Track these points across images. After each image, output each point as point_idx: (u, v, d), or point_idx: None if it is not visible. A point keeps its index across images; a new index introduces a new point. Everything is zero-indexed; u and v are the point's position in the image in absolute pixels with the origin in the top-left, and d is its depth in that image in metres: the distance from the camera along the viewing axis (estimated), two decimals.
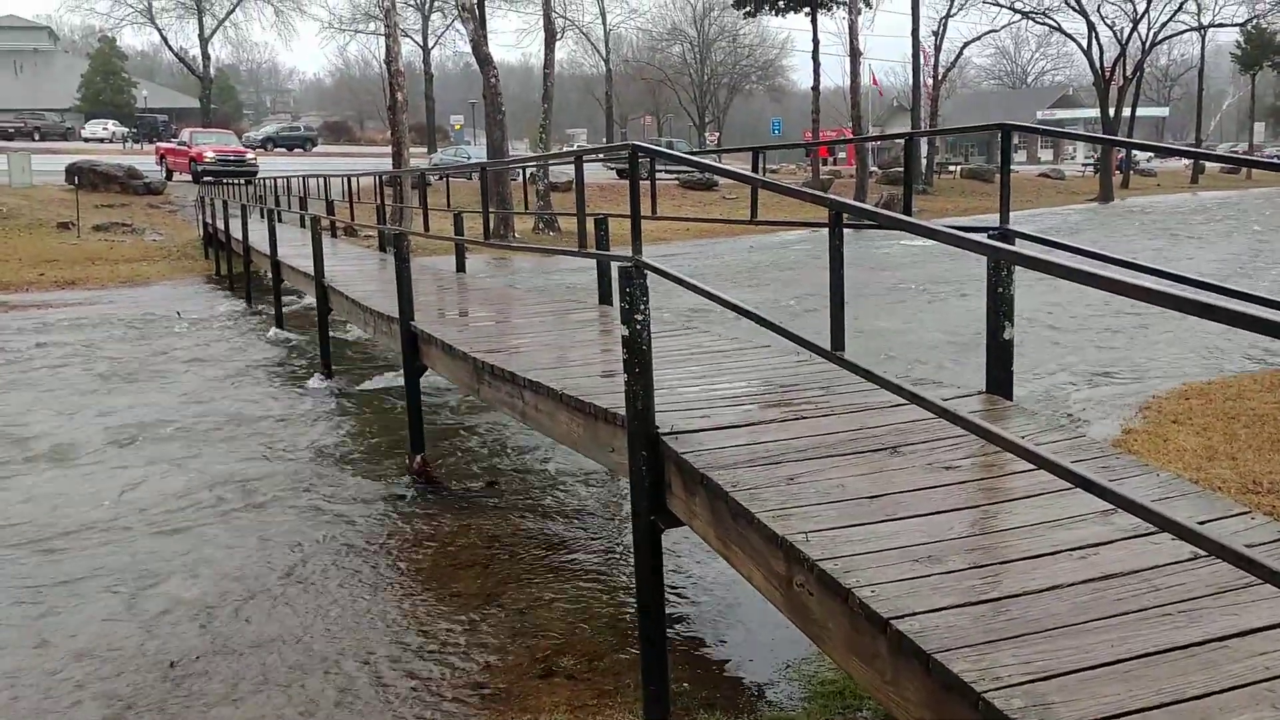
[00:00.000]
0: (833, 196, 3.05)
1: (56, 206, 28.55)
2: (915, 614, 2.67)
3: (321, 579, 5.64)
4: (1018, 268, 4.29)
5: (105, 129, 65.89)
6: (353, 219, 16.35)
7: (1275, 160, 5.82)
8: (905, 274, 19.97)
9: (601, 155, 33.67)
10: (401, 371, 7.93)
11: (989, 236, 4.30)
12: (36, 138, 61.39)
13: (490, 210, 7.31)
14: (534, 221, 30.85)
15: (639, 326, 4.02)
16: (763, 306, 3.80)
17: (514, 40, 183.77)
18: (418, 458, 7.56)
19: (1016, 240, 4.34)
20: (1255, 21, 60.04)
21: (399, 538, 6.32)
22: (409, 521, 6.61)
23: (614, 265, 4.81)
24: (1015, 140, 5.11)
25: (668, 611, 4.39)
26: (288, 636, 4.95)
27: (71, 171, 32.06)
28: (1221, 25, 58.72)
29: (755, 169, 7.47)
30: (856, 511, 3.37)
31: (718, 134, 78.05)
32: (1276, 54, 64.38)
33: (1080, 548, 3.10)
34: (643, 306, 4.03)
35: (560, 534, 6.30)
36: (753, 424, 4.30)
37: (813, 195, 3.20)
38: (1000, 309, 4.46)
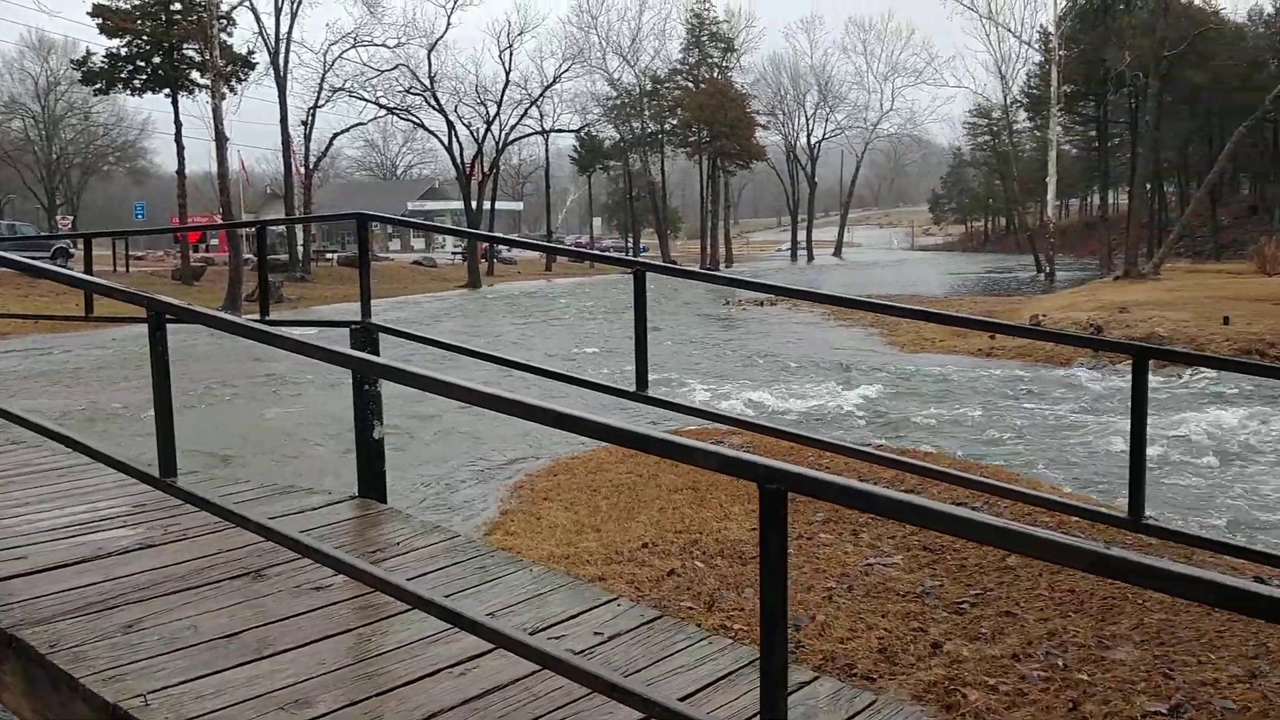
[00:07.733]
0: (150, 295, 2.59)
1: None
2: None
3: None
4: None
5: None
6: None
7: (608, 254, 6.35)
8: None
9: None
10: None
11: (351, 331, 4.12)
12: None
13: None
14: None
15: None
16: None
17: None
18: None
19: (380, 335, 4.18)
20: (586, 129, 68.64)
21: None
22: None
23: None
24: (390, 229, 4.99)
25: None
26: None
27: None
28: (560, 131, 66.13)
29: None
30: (211, 656, 2.90)
31: (71, 217, 70.77)
32: (605, 159, 73.86)
33: (460, 662, 2.93)
34: None
35: None
36: (85, 560, 3.61)
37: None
38: (369, 407, 4.25)
